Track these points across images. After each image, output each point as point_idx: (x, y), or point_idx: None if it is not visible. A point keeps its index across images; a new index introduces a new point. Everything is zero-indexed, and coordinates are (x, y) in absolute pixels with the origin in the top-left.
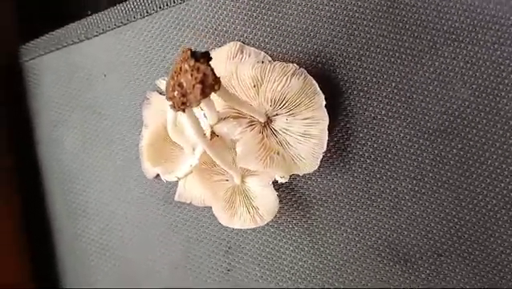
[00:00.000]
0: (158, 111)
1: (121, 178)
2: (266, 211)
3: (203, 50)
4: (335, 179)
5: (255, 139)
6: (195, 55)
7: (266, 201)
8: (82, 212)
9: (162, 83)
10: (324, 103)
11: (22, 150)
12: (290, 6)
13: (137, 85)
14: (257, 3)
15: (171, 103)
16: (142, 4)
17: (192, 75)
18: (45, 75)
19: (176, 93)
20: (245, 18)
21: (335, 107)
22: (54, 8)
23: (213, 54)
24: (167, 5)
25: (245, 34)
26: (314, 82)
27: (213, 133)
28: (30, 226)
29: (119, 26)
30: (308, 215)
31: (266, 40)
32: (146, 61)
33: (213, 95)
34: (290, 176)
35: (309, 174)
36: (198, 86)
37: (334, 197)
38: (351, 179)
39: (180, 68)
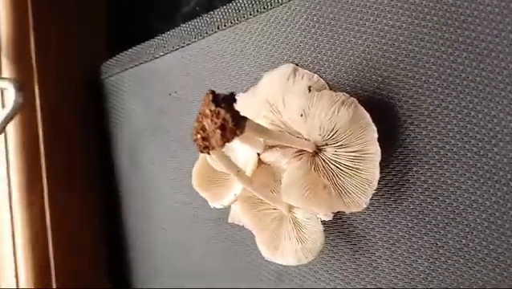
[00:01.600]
0: None
1: (190, 195)
2: (311, 245)
3: (226, 93)
4: (383, 215)
5: (301, 170)
6: (216, 100)
7: (312, 235)
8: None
9: None
10: (376, 136)
11: (104, 158)
12: (349, 32)
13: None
14: (316, 25)
15: (197, 149)
16: (206, 23)
17: (212, 120)
18: (123, 91)
19: (199, 136)
20: (301, 40)
21: (388, 141)
22: (141, 24)
23: (265, 77)
24: (231, 22)
25: (300, 56)
26: (365, 112)
27: (260, 161)
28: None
29: (188, 44)
30: (356, 250)
31: (321, 63)
32: (212, 80)
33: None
34: (336, 213)
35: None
36: (218, 131)
37: (381, 233)
38: (401, 215)
39: (204, 111)
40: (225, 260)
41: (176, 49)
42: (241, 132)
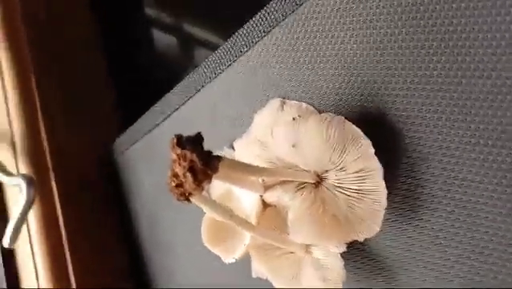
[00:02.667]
0: (219, 185)
1: None
2: (332, 282)
3: (191, 135)
4: (395, 235)
5: (305, 203)
6: (180, 143)
7: (333, 273)
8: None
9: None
10: (373, 150)
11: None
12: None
13: None
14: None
15: (176, 199)
16: (194, 81)
17: (180, 164)
18: (136, 164)
19: (173, 184)
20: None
21: (389, 155)
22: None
23: (256, 117)
24: (215, 74)
25: (285, 89)
26: (356, 128)
27: (265, 204)
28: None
29: (177, 109)
30: (375, 277)
31: (306, 91)
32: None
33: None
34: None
35: None
36: (188, 174)
37: (400, 254)
38: (417, 231)
39: (173, 157)
40: None
41: (176, 109)
42: (214, 171)
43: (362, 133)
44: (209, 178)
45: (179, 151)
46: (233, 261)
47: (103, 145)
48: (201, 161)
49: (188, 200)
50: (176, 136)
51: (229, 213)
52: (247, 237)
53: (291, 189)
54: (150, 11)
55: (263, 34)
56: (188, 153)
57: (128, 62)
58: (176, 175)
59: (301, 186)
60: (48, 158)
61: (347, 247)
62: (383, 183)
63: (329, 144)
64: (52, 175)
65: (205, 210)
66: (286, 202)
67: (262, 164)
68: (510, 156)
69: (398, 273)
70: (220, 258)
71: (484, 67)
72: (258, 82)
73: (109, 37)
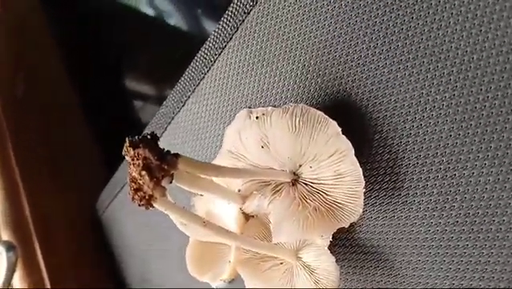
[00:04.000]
0: (199, 207)
1: None
2: (327, 283)
3: (144, 135)
4: (383, 217)
5: (284, 202)
6: (133, 143)
7: (326, 271)
8: None
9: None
10: (339, 129)
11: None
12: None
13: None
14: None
15: (138, 205)
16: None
17: (135, 165)
18: (120, 217)
19: (132, 190)
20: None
21: (356, 134)
22: None
23: (227, 130)
24: (186, 96)
25: (252, 99)
26: (319, 112)
27: (247, 215)
28: None
29: None
30: (368, 267)
31: (269, 96)
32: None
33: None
34: (336, 233)
35: (361, 219)
36: (144, 173)
37: (393, 239)
38: (406, 211)
39: (128, 161)
40: None
41: None
42: (172, 167)
43: (326, 116)
44: (167, 175)
45: (132, 152)
46: (223, 284)
47: (89, 205)
48: (155, 157)
49: (149, 204)
50: (128, 138)
51: (201, 220)
52: (231, 253)
53: (269, 193)
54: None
55: (216, 56)
56: (141, 151)
57: (110, 116)
58: (133, 179)
59: (278, 188)
60: (31, 224)
61: (338, 243)
62: (356, 161)
63: (296, 133)
64: (36, 241)
65: (173, 218)
66: (267, 209)
67: (237, 180)
68: (492, 114)
69: (395, 260)
70: None
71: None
72: (226, 101)
73: (87, 97)
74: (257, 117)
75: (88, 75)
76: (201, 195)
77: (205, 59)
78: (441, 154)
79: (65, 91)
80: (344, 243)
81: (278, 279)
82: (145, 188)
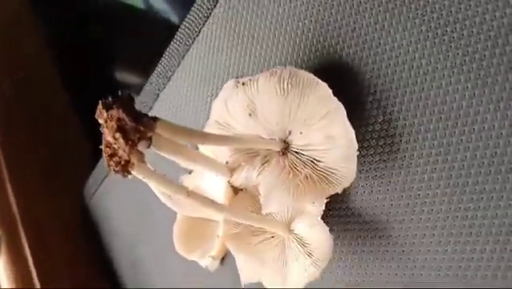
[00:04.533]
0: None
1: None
2: (320, 253)
3: (119, 96)
4: (379, 183)
5: (274, 172)
6: (106, 105)
7: (319, 242)
8: None
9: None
10: (330, 91)
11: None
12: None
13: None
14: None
15: (114, 173)
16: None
17: (108, 127)
18: (108, 203)
19: (106, 155)
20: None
21: (348, 96)
22: None
23: (213, 103)
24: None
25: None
26: (308, 73)
27: (236, 189)
28: None
29: None
30: (364, 237)
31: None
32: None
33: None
34: (330, 198)
35: (350, 188)
36: (118, 135)
37: (388, 206)
38: (403, 175)
39: (102, 126)
40: None
41: None
42: (149, 129)
43: (316, 77)
44: (143, 138)
45: (105, 114)
46: (212, 261)
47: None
48: (129, 117)
49: (126, 170)
50: (101, 100)
51: (184, 190)
52: (219, 227)
53: (257, 164)
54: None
55: (200, 26)
56: (115, 112)
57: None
58: (108, 144)
59: (267, 159)
60: (19, 223)
61: (332, 214)
62: (347, 121)
63: (285, 97)
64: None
65: (154, 189)
66: (256, 180)
67: (225, 151)
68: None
69: (392, 228)
70: None
71: None
72: (213, 73)
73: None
74: (243, 83)
75: (81, 75)
76: (189, 172)
77: (190, 29)
78: (439, 111)
79: (57, 92)
80: (338, 213)
81: (270, 253)
82: (120, 152)
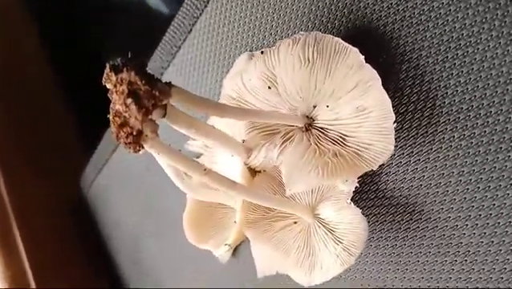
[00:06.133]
0: None
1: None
2: (353, 237)
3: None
4: (415, 161)
5: (298, 148)
6: (115, 68)
7: (351, 226)
8: None
9: (191, 145)
10: (362, 57)
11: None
12: None
13: None
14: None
15: (124, 146)
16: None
17: (118, 93)
18: (107, 192)
19: (116, 128)
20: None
21: (382, 65)
22: None
23: (225, 81)
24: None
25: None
26: (337, 39)
27: (253, 171)
28: None
29: None
30: (397, 216)
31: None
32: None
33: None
34: (361, 177)
35: (387, 165)
36: (129, 101)
37: (427, 183)
38: (440, 154)
39: (110, 91)
40: None
41: None
42: (165, 95)
43: (345, 43)
44: (158, 105)
45: (114, 77)
46: (228, 249)
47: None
48: (143, 80)
49: (138, 143)
50: (109, 63)
51: (201, 167)
52: (236, 212)
53: (278, 142)
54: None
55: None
56: (126, 75)
57: (88, 93)
58: (117, 113)
59: (288, 135)
60: (10, 212)
61: (361, 197)
62: (384, 92)
63: (310, 67)
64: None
65: (164, 166)
66: (276, 160)
67: (241, 128)
68: None
69: (428, 208)
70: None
71: None
72: (224, 47)
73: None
74: (262, 52)
75: (70, 62)
76: (197, 157)
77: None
78: (486, 77)
79: (44, 79)
80: (368, 196)
81: (293, 241)
82: (132, 121)
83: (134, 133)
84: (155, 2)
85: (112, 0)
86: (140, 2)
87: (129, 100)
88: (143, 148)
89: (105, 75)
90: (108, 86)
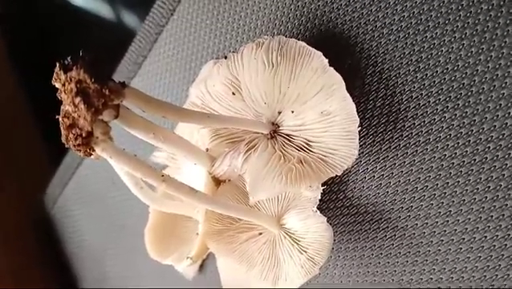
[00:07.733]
0: None
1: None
2: (317, 246)
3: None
4: (382, 167)
5: (262, 156)
6: (64, 66)
7: (316, 234)
8: None
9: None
10: (326, 61)
11: None
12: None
13: None
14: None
15: (73, 150)
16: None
17: (66, 92)
18: (72, 207)
19: (66, 130)
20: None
21: (346, 69)
22: None
23: (191, 89)
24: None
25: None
26: (300, 42)
27: (218, 181)
28: None
29: None
30: (364, 224)
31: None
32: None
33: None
34: (329, 186)
35: (351, 171)
36: (78, 100)
37: (393, 190)
38: (407, 159)
39: (59, 91)
40: None
41: None
42: (116, 94)
43: (309, 46)
44: (109, 103)
45: (63, 76)
46: (190, 263)
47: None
48: (92, 78)
49: (88, 146)
50: (59, 62)
51: (159, 174)
52: (199, 224)
53: (242, 150)
54: None
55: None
56: (75, 73)
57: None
58: (66, 114)
59: (253, 143)
60: None
61: (327, 206)
62: (348, 96)
63: (273, 71)
64: None
65: (120, 173)
66: (241, 169)
67: (208, 133)
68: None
69: (400, 219)
70: None
71: None
72: (190, 56)
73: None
74: (225, 57)
75: (33, 70)
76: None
77: (163, 8)
78: (450, 80)
79: (8, 90)
80: (335, 204)
81: (257, 253)
82: (81, 122)
83: (83, 135)
84: (124, 15)
85: (80, 14)
86: (109, 15)
87: (78, 99)
88: (94, 151)
89: (54, 74)
90: (57, 85)
